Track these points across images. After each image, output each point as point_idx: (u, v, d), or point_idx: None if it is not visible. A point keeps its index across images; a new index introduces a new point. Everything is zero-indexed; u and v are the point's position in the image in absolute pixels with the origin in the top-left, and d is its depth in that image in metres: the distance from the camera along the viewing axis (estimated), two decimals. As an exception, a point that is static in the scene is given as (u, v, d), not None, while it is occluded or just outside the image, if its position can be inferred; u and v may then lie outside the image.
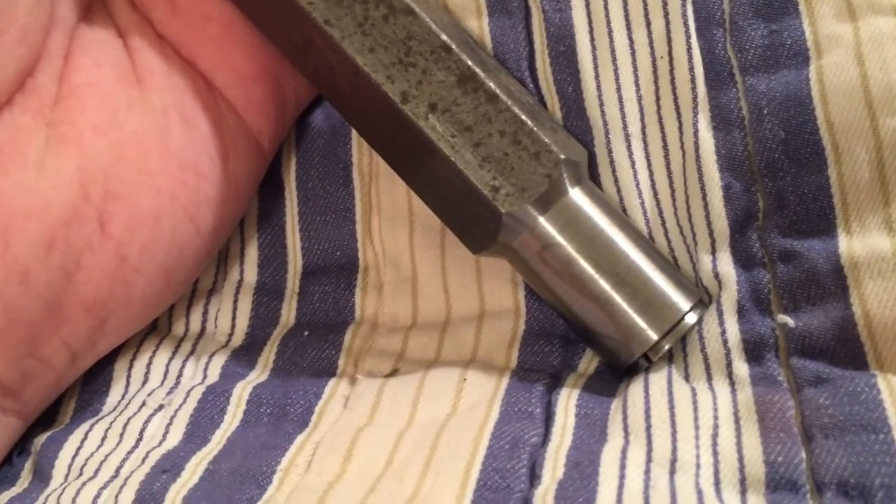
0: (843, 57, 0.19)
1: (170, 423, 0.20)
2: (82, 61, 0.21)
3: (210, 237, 0.22)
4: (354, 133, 0.24)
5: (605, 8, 0.21)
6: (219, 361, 0.23)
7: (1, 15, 0.19)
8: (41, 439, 0.21)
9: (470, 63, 0.20)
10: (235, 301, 0.24)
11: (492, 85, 0.20)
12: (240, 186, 0.23)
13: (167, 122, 0.21)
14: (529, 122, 0.20)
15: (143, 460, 0.19)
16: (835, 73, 0.19)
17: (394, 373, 0.22)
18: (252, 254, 0.24)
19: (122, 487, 0.19)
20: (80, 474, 0.19)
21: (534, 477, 0.18)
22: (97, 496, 0.18)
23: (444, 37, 0.20)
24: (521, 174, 0.20)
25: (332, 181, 0.24)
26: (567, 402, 0.20)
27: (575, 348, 0.22)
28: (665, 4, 0.20)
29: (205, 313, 0.24)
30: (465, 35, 0.21)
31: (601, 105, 0.21)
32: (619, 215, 0.21)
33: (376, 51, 0.20)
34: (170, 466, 0.19)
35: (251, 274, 0.24)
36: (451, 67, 0.20)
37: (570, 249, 0.20)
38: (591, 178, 0.21)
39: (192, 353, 0.23)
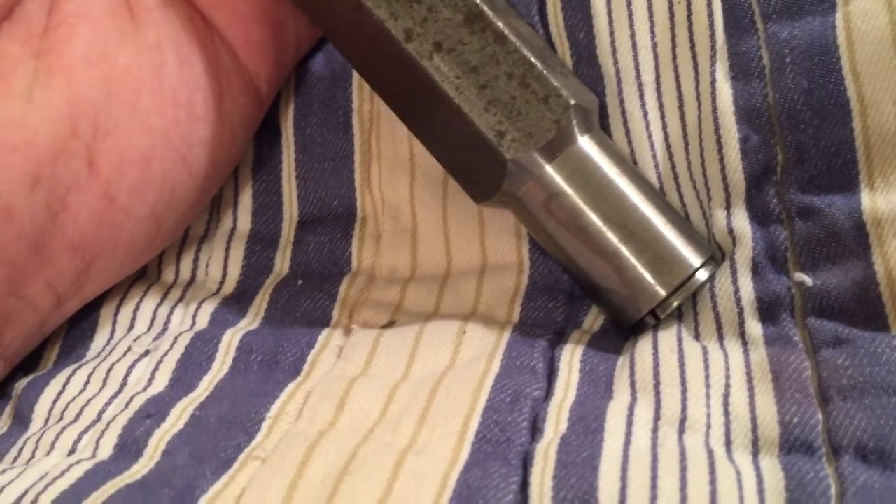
0: (872, 2, 0.18)
1: (155, 369, 0.20)
2: None
3: (203, 180, 0.22)
4: (355, 78, 0.23)
5: None
6: (208, 308, 0.22)
7: None
8: (22, 384, 0.21)
9: (478, 1, 0.19)
10: (227, 249, 0.24)
11: (500, 25, 0.19)
12: (235, 129, 0.22)
13: (161, 59, 0.21)
14: (539, 65, 0.19)
15: (127, 405, 0.19)
16: (863, 20, 0.18)
17: (390, 324, 0.21)
18: (246, 201, 0.24)
19: (103, 431, 0.18)
20: (61, 418, 0.19)
21: (535, 431, 0.17)
22: (77, 440, 0.18)
23: None
24: (528, 119, 0.19)
25: (332, 128, 0.23)
26: (571, 357, 0.19)
27: (580, 305, 0.21)
28: None
29: (195, 260, 0.24)
30: None
31: (614, 52, 0.21)
32: (630, 166, 0.20)
33: None
34: (154, 411, 0.19)
35: (245, 222, 0.24)
36: (458, 5, 0.19)
37: (577, 200, 0.19)
38: (601, 128, 0.21)
39: (181, 299, 0.23)
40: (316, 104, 0.24)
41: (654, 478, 0.16)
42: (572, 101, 0.19)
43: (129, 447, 0.18)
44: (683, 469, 0.16)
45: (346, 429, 0.18)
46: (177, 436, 0.18)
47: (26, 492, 0.16)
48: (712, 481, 0.16)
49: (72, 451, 0.18)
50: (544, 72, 0.19)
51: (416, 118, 0.20)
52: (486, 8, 0.19)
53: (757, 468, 0.16)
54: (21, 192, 0.19)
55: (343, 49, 0.21)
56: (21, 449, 0.18)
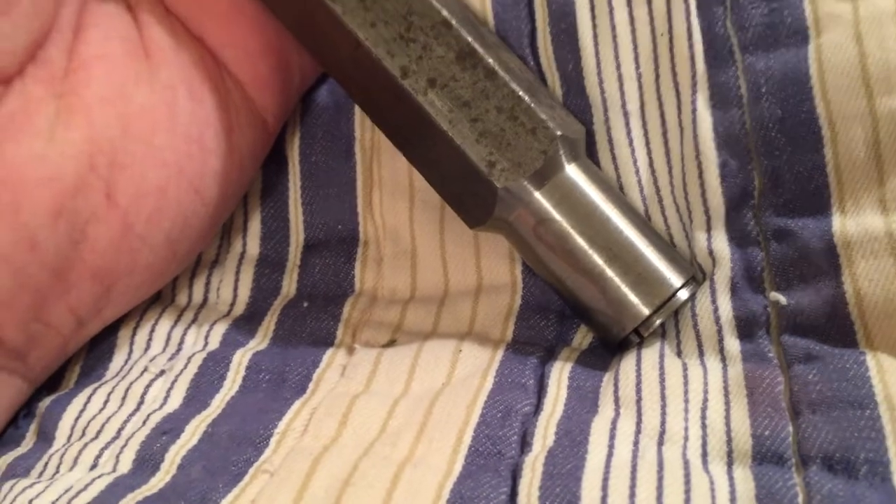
0: (842, 35, 0.19)
1: (170, 388, 0.21)
2: (92, 34, 0.21)
3: (214, 209, 0.23)
4: (357, 109, 0.24)
5: None
6: (220, 330, 0.23)
7: None
8: (46, 402, 0.21)
9: (469, 39, 0.20)
10: (237, 272, 0.24)
11: (490, 61, 0.20)
12: (244, 160, 0.23)
13: (174, 97, 0.21)
14: (527, 99, 0.20)
15: (144, 422, 0.20)
16: (833, 52, 0.19)
17: (391, 343, 0.22)
18: (255, 227, 0.25)
19: (122, 448, 0.19)
20: (83, 435, 0.20)
21: (524, 444, 0.18)
22: (98, 456, 0.19)
23: (444, 12, 0.20)
24: (517, 150, 0.20)
25: (335, 156, 0.24)
26: (560, 374, 0.20)
27: (570, 323, 0.22)
28: None
29: (207, 284, 0.24)
30: (466, 11, 0.21)
31: (600, 83, 0.21)
32: (615, 192, 0.21)
33: (377, 26, 0.20)
34: (170, 428, 0.19)
35: (253, 246, 0.25)
36: (451, 43, 0.20)
37: (565, 225, 0.20)
38: (589, 155, 0.22)
39: (193, 321, 0.24)
40: (320, 134, 0.24)
41: (632, 487, 0.16)
42: (559, 133, 0.20)
43: (147, 462, 0.19)
44: (660, 479, 0.17)
45: (348, 443, 0.18)
46: (191, 451, 0.19)
47: (53, 504, 0.17)
48: (687, 490, 0.16)
49: (93, 466, 0.19)
50: (532, 105, 0.20)
51: (412, 149, 0.21)
52: (477, 45, 0.20)
53: (730, 478, 0.17)
54: (44, 224, 0.19)
55: (344, 84, 0.22)
56: (46, 464, 0.19)
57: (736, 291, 0.20)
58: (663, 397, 0.19)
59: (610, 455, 0.17)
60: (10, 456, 0.20)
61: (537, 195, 0.20)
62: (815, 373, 0.18)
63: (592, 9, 0.21)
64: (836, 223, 0.19)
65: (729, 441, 0.18)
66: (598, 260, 0.20)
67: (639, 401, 0.19)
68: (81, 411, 0.21)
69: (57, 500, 0.17)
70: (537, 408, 0.19)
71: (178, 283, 0.25)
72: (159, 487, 0.18)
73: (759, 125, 0.20)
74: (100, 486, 0.18)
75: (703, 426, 0.18)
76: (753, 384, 0.19)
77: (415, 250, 0.23)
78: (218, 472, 0.18)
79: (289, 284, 0.24)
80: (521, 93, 0.20)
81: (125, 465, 0.19)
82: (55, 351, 0.22)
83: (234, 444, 0.19)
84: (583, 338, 0.22)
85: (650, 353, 0.20)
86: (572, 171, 0.20)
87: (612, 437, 0.18)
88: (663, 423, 0.18)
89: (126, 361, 0.23)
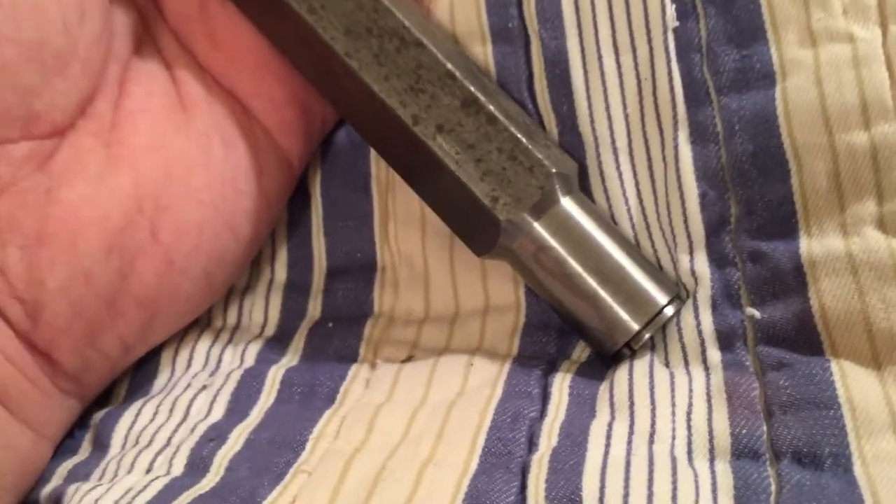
0: (805, 79, 0.20)
1: (213, 401, 0.22)
2: (135, 90, 0.22)
3: (247, 244, 0.24)
4: (372, 149, 0.25)
5: (596, 36, 0.22)
6: (254, 349, 0.24)
7: (65, 51, 0.21)
8: (99, 415, 0.22)
9: (472, 89, 0.21)
10: (267, 297, 0.26)
11: (492, 108, 0.21)
12: (272, 199, 0.24)
13: (209, 144, 0.23)
14: (524, 141, 0.21)
15: (192, 431, 0.21)
16: (797, 94, 0.20)
17: (409, 359, 0.23)
18: (282, 256, 0.26)
19: (174, 453, 0.20)
20: (136, 443, 0.21)
21: (532, 445, 0.19)
22: (153, 461, 0.20)
23: (449, 66, 0.22)
24: (517, 186, 0.21)
25: (353, 191, 0.25)
26: (561, 383, 0.21)
27: (569, 338, 0.23)
28: (649, 32, 0.22)
29: (240, 308, 0.26)
30: (469, 63, 0.23)
31: (592, 122, 0.23)
32: (606, 221, 0.22)
33: (390, 79, 0.22)
34: (215, 436, 0.21)
35: (281, 273, 0.26)
36: (456, 93, 0.22)
37: (562, 251, 0.21)
38: (583, 188, 0.23)
39: (230, 341, 0.25)
40: (339, 171, 0.26)
41: (626, 480, 0.18)
42: (553, 170, 0.21)
43: (198, 465, 0.20)
44: (651, 473, 0.18)
45: (376, 446, 0.20)
46: (237, 455, 0.20)
47: (117, 503, 0.19)
48: (674, 483, 0.18)
49: (149, 470, 0.20)
50: (529, 146, 0.21)
51: (423, 186, 0.23)
52: (479, 94, 0.22)
53: (712, 472, 0.19)
54: (98, 259, 0.21)
55: (360, 130, 0.23)
56: (104, 469, 0.20)
57: (716, 307, 0.21)
58: (653, 402, 0.20)
59: (606, 453, 0.19)
60: (70, 463, 0.21)
61: (536, 226, 0.21)
62: (786, 378, 0.20)
63: (583, 56, 0.22)
64: (803, 245, 0.21)
65: (711, 440, 0.19)
66: (591, 282, 0.21)
67: (631, 406, 0.20)
68: (133, 422, 0.22)
69: (120, 499, 0.19)
70: (542, 413, 0.20)
71: (213, 308, 0.26)
72: (211, 486, 0.19)
73: (733, 159, 0.21)
74: (157, 486, 0.19)
75: (689, 427, 0.20)
76: (732, 390, 0.20)
77: (427, 275, 0.25)
78: (262, 473, 0.19)
79: (314, 307, 0.25)
80: (519, 135, 0.21)
81: (178, 468, 0.20)
82: (106, 373, 0.23)
83: (275, 448, 0.20)
84: (581, 351, 0.23)
85: (641, 364, 0.21)
86: (567, 204, 0.22)
87: (608, 437, 0.19)
88: (653, 424, 0.20)
89: (170, 378, 0.24)
